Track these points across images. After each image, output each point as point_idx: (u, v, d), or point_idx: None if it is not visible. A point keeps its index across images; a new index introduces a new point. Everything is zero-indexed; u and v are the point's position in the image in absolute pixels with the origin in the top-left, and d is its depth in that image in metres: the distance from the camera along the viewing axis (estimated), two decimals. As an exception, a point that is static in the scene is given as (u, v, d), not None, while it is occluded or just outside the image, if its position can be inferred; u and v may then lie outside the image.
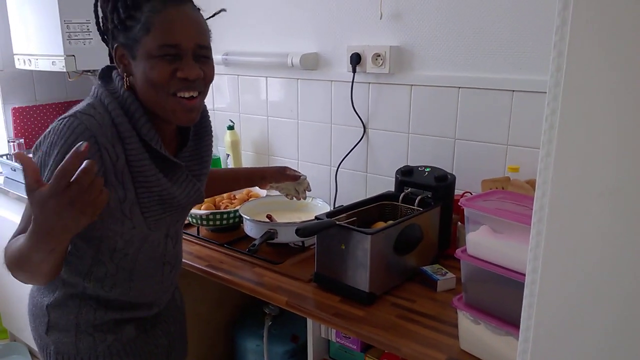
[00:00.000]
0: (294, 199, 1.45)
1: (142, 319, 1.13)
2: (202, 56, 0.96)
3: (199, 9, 0.99)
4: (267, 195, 1.69)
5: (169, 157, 1.00)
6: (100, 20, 1.00)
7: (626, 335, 0.52)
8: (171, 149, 1.07)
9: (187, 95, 0.95)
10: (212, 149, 1.16)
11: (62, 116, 0.93)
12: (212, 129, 1.15)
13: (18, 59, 2.22)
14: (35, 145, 0.95)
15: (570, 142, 0.52)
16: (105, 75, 1.00)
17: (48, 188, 0.75)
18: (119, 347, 1.08)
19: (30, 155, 0.92)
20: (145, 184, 0.97)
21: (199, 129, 1.12)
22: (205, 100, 1.04)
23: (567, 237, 0.55)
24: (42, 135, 0.94)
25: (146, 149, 0.97)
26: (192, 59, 0.94)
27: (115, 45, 0.96)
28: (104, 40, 1.01)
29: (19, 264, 0.88)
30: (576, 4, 0.49)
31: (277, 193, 1.52)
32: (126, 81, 0.96)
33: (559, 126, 0.51)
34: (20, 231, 0.93)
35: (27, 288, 1.10)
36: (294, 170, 1.42)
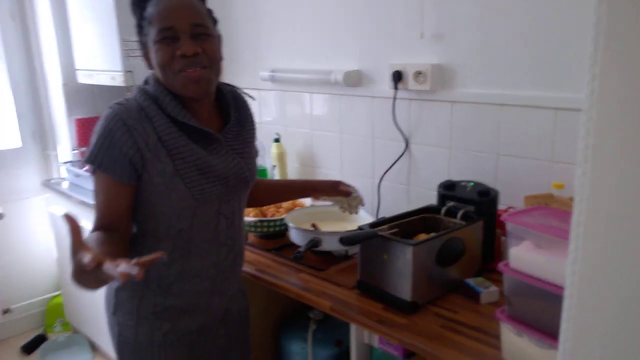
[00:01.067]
0: (346, 212, 1.49)
1: (204, 311, 1.19)
2: (199, 34, 1.08)
3: None
4: (312, 205, 1.76)
5: (201, 128, 1.11)
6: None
7: None
8: (214, 127, 1.18)
9: (190, 70, 1.06)
10: (254, 135, 1.27)
11: None
12: (253, 117, 1.28)
13: (80, 74, 2.37)
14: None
15: (605, 162, 0.55)
16: (146, 80, 1.16)
17: (81, 262, 0.84)
18: (173, 338, 1.16)
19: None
20: (180, 155, 1.08)
21: (240, 118, 1.23)
22: (220, 79, 1.17)
23: (603, 253, 0.58)
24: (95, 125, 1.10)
25: (177, 125, 1.09)
26: (189, 38, 1.06)
27: (142, 49, 1.12)
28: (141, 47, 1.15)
29: None
30: (608, 30, 0.53)
31: (322, 203, 1.58)
32: (154, 75, 1.11)
33: (593, 147, 0.55)
34: (96, 222, 1.07)
35: None
36: (347, 185, 1.46)
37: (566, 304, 0.65)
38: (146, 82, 1.14)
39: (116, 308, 1.17)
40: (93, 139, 1.07)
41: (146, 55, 1.12)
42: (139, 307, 1.15)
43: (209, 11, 1.14)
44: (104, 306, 1.22)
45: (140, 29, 1.11)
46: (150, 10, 1.07)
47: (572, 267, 0.63)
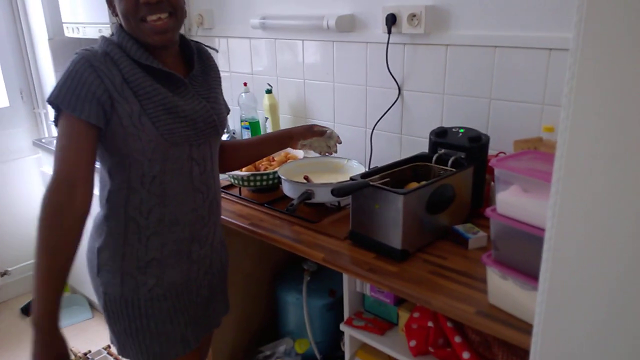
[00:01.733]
0: (327, 154, 1.51)
1: (186, 265, 1.22)
2: None
3: None
4: (304, 157, 1.75)
5: (167, 70, 1.13)
6: None
7: (635, 286, 0.55)
8: (179, 73, 1.19)
9: (154, 17, 1.08)
10: (219, 84, 1.31)
11: None
12: (216, 66, 1.31)
13: (67, 27, 2.31)
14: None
15: (587, 105, 0.54)
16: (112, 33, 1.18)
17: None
18: (159, 292, 1.19)
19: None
20: (146, 95, 1.09)
21: (204, 67, 1.26)
22: (179, 29, 1.18)
23: (581, 196, 0.57)
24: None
25: (142, 68, 1.11)
26: None
27: None
28: None
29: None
30: None
31: (314, 154, 1.57)
32: (118, 22, 1.13)
33: (576, 90, 0.53)
34: (55, 176, 1.05)
35: (86, 243, 1.22)
36: (320, 126, 1.48)
37: (546, 245, 0.65)
38: (112, 34, 1.15)
39: (99, 268, 1.19)
40: (59, 81, 1.06)
41: (110, 3, 1.13)
42: (122, 265, 1.16)
43: None
44: (87, 267, 1.23)
45: None
46: None
47: (553, 210, 0.62)
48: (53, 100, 1.04)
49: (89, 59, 1.05)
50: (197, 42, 1.29)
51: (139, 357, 1.21)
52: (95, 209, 1.14)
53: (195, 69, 1.22)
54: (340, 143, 1.51)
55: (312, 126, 1.48)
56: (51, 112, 2.57)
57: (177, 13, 1.12)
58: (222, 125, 1.25)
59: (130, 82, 1.08)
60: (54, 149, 1.08)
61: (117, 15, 1.12)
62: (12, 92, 2.62)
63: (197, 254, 1.25)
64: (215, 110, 1.23)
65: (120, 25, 1.13)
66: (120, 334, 1.20)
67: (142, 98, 1.08)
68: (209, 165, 1.24)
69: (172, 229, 1.18)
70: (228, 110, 1.36)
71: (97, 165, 1.14)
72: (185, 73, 1.21)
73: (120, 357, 1.86)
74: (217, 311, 1.37)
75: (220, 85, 1.31)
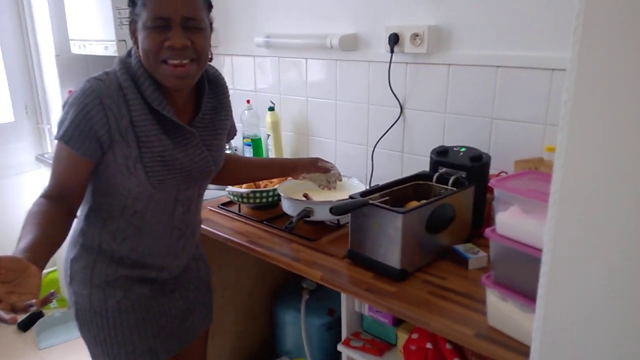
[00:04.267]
0: (325, 188, 1.49)
1: (156, 281, 1.23)
2: (191, 27, 1.05)
3: None
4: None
5: (175, 120, 1.11)
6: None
7: (629, 313, 0.53)
8: (185, 117, 1.17)
9: (175, 62, 1.05)
10: (227, 123, 1.27)
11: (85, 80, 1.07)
12: (230, 104, 1.28)
13: (74, 44, 2.33)
14: (64, 102, 1.10)
15: (583, 127, 0.53)
16: (130, 51, 1.14)
17: None
18: (128, 304, 1.19)
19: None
20: (148, 143, 1.08)
21: (217, 104, 1.22)
22: (220, 74, 1.19)
23: (578, 220, 0.56)
24: (70, 95, 1.08)
25: (152, 113, 1.08)
26: (180, 30, 1.04)
27: (129, 21, 1.09)
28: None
29: None
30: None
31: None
32: (137, 53, 1.08)
33: (572, 111, 0.52)
34: (49, 188, 1.08)
35: (64, 252, 1.25)
36: (325, 162, 1.47)
37: (542, 270, 0.63)
38: (129, 53, 1.12)
39: (71, 278, 1.20)
40: (67, 112, 1.06)
41: (133, 31, 1.10)
42: (92, 277, 1.18)
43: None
44: (62, 276, 1.27)
45: (132, 3, 1.08)
46: None
47: (550, 234, 0.61)
48: (62, 136, 1.05)
49: (100, 95, 1.03)
50: (216, 69, 1.26)
51: None
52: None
53: (204, 110, 1.19)
54: (340, 181, 1.50)
55: (317, 160, 1.47)
56: (55, 128, 2.61)
57: (201, 60, 1.09)
58: (217, 168, 1.25)
59: (136, 126, 1.06)
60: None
61: (136, 45, 1.09)
62: (17, 107, 2.64)
63: (167, 278, 1.26)
64: (214, 157, 1.22)
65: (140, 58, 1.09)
66: (90, 342, 1.22)
67: (142, 145, 1.08)
68: (194, 205, 1.25)
69: (143, 258, 1.20)
70: (235, 132, 1.36)
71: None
72: (195, 110, 1.19)
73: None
74: (196, 324, 1.36)
75: (227, 124, 1.28)
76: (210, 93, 1.22)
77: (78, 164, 1.07)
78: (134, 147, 1.07)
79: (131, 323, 1.20)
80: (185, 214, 1.22)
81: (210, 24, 1.13)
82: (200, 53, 1.08)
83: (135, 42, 1.09)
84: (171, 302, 1.27)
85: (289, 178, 1.74)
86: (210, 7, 1.13)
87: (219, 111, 1.23)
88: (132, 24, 1.09)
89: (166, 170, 1.11)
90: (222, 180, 1.43)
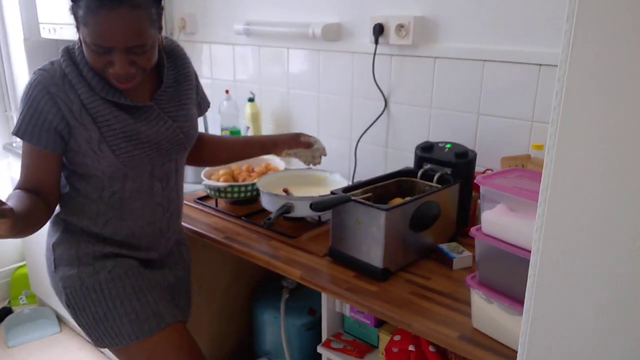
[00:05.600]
0: (310, 164, 1.45)
1: (144, 260, 1.21)
2: (135, 52, 1.01)
3: (139, 5, 0.98)
4: (285, 169, 1.68)
5: (127, 103, 1.08)
6: None
7: (618, 316, 0.51)
8: (145, 92, 1.15)
9: (121, 86, 1.04)
10: (192, 93, 1.24)
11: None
12: (193, 73, 1.25)
13: (43, 28, 2.25)
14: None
15: (575, 123, 0.50)
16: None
17: None
18: (120, 272, 1.15)
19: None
20: (105, 122, 1.06)
21: (177, 76, 1.20)
22: (196, 66, 1.17)
23: (569, 218, 0.53)
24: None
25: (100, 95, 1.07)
26: (124, 54, 1.00)
27: (72, 3, 1.02)
28: None
29: None
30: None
31: (296, 166, 1.51)
32: (79, 41, 1.04)
33: (563, 105, 0.49)
34: (19, 183, 1.09)
35: (44, 243, 1.22)
36: (308, 136, 1.43)
37: (531, 271, 0.60)
38: (74, 47, 1.08)
39: (56, 264, 1.17)
40: (20, 108, 1.06)
41: (77, 26, 1.03)
42: (78, 256, 1.15)
43: (150, 12, 1.01)
44: (46, 268, 1.22)
45: (75, 5, 1.00)
46: (85, 10, 0.96)
47: (539, 233, 0.58)
48: (16, 133, 1.06)
49: (46, 85, 1.02)
50: (172, 41, 1.23)
51: (115, 342, 1.15)
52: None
53: (165, 83, 1.17)
54: (325, 155, 1.46)
55: (299, 135, 1.43)
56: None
57: (147, 69, 1.06)
58: (189, 140, 1.22)
59: (89, 108, 1.05)
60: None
61: (80, 42, 1.03)
62: (-17, 94, 2.53)
63: (155, 257, 1.24)
64: (183, 129, 1.19)
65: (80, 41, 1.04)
66: (91, 325, 1.15)
67: (101, 125, 1.06)
68: (172, 180, 1.22)
69: (128, 239, 1.17)
70: (208, 105, 1.33)
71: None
72: (156, 87, 1.16)
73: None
74: (181, 308, 1.31)
75: (192, 94, 1.25)
76: (169, 65, 1.19)
77: (43, 157, 1.07)
78: (92, 129, 1.05)
79: (128, 290, 1.15)
80: (165, 190, 1.20)
81: (159, 24, 1.07)
82: (145, 67, 1.06)
83: (79, 36, 1.03)
84: (162, 275, 1.24)
85: (270, 171, 1.69)
86: (159, 14, 1.06)
87: (180, 82, 1.20)
88: (76, 18, 1.02)
89: (132, 145, 1.09)
90: (201, 161, 1.41)
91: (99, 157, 1.08)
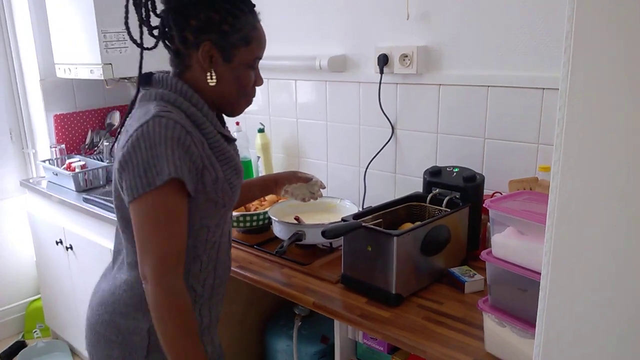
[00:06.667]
0: (311, 200, 1.44)
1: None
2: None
3: None
4: (296, 197, 1.70)
5: (229, 135, 1.10)
6: (150, 14, 1.01)
7: (630, 340, 0.51)
8: None
9: (249, 105, 1.12)
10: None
11: (141, 123, 0.92)
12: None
13: (59, 68, 2.30)
14: (120, 163, 0.94)
15: (577, 146, 0.52)
16: (147, 80, 1.03)
17: None
18: (214, 358, 1.15)
19: (117, 174, 0.95)
20: (225, 160, 1.05)
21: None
22: None
23: (574, 241, 0.54)
24: (126, 150, 0.93)
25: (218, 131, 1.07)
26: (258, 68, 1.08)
27: (204, 42, 0.98)
28: (154, 35, 1.02)
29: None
30: (579, 9, 0.49)
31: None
32: (210, 75, 1.00)
33: (566, 131, 0.51)
34: (181, 269, 0.96)
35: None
36: (304, 173, 1.43)
37: (541, 294, 0.61)
38: (156, 85, 1.01)
39: (149, 351, 1.03)
40: (151, 150, 0.91)
41: (209, 54, 0.99)
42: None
43: None
44: (117, 350, 1.04)
45: (218, 28, 0.98)
46: (249, 28, 1.01)
47: (547, 256, 0.59)
48: (161, 176, 0.90)
49: (183, 125, 0.94)
50: None
51: None
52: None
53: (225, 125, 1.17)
54: (323, 188, 1.46)
55: (295, 172, 1.44)
56: (42, 152, 2.54)
57: None
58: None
59: (214, 148, 1.02)
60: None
61: (211, 71, 1.00)
62: (1, 132, 2.58)
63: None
64: None
65: (180, 80, 1.00)
66: None
67: (223, 164, 1.03)
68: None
69: (216, 290, 1.11)
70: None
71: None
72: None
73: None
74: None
75: None
76: None
77: (183, 207, 0.95)
78: (218, 168, 1.02)
79: None
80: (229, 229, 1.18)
81: None
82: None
83: (211, 65, 1.00)
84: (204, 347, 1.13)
85: (281, 200, 1.71)
86: None
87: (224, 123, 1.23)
88: (212, 46, 0.99)
89: (238, 178, 1.09)
90: None
91: (218, 199, 1.02)
